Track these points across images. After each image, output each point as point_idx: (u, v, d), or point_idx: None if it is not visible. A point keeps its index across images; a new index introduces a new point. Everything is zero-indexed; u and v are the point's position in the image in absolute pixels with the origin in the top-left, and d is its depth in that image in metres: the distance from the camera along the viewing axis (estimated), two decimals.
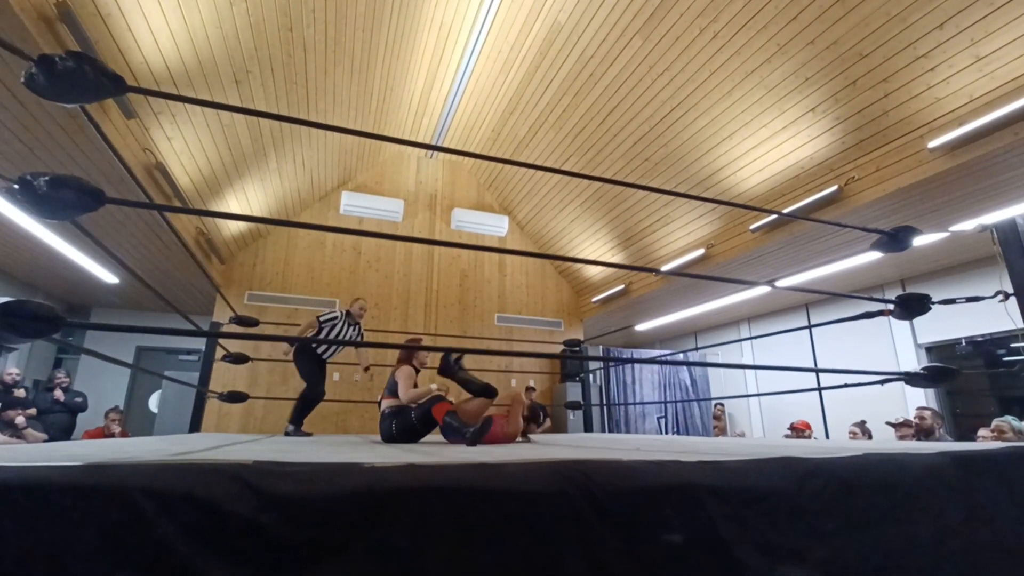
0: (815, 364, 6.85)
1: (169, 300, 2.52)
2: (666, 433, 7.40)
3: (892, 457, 1.30)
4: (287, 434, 3.92)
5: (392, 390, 2.99)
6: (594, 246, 6.95)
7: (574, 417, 6.52)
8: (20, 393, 4.99)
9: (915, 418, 4.50)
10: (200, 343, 6.03)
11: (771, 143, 4.48)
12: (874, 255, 3.99)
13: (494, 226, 7.23)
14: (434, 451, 1.86)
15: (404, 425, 2.86)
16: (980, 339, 5.28)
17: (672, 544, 0.98)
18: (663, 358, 7.91)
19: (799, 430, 5.66)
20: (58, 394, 5.36)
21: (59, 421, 5.34)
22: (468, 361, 3.24)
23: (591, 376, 6.45)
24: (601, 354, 8.35)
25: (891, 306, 2.12)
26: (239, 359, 4.03)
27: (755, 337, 5.64)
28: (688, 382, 8.00)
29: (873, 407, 5.47)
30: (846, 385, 2.87)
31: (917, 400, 5.32)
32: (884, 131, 3.85)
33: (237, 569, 0.76)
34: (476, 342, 6.68)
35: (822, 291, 5.25)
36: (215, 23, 3.59)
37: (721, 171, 4.98)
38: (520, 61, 5.31)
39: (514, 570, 0.88)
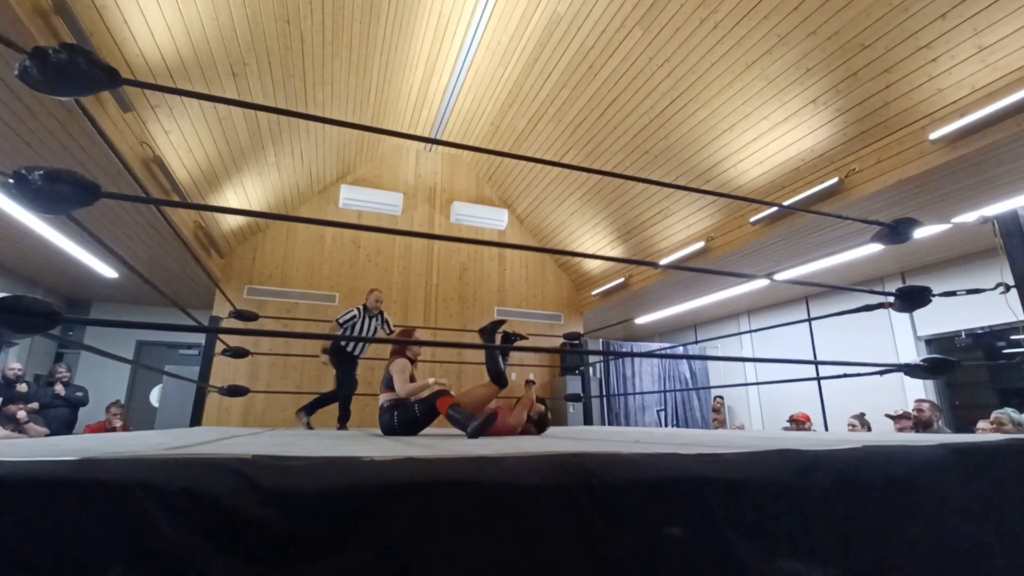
0: (815, 357, 6.86)
1: (168, 295, 2.52)
2: (666, 426, 7.43)
3: (891, 449, 1.30)
4: (305, 425, 3.98)
5: (388, 384, 2.99)
6: (594, 239, 6.94)
7: (574, 410, 6.54)
8: (22, 388, 4.99)
9: (913, 410, 4.50)
10: (200, 337, 6.04)
11: (772, 135, 4.46)
12: (874, 247, 3.98)
13: (494, 219, 7.20)
14: (434, 444, 1.87)
15: (406, 417, 2.86)
16: (980, 331, 5.28)
17: (671, 536, 0.98)
18: (663, 351, 7.92)
19: (798, 422, 5.67)
20: (59, 389, 5.37)
21: (60, 416, 5.35)
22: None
23: (591, 369, 6.46)
24: (601, 348, 8.36)
25: (891, 299, 2.12)
26: (239, 353, 4.03)
27: (755, 330, 5.64)
28: (688, 375, 8.01)
29: (872, 400, 5.49)
30: (845, 375, 2.88)
31: (916, 393, 5.33)
32: (885, 122, 3.83)
33: (236, 563, 0.76)
34: (476, 336, 6.66)
35: (822, 284, 5.25)
36: (211, 15, 3.56)
37: (721, 163, 4.96)
38: (519, 53, 5.27)
39: (513, 563, 0.89)
